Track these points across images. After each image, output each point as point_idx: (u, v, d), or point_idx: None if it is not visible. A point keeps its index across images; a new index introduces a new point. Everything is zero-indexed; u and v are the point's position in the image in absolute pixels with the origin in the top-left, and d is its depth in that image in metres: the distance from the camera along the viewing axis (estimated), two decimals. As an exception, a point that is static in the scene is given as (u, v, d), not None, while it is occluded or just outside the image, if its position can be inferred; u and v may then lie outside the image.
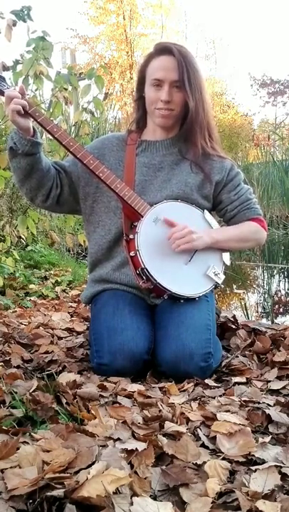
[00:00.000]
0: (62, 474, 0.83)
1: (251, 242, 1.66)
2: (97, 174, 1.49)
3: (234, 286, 3.63)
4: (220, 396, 1.27)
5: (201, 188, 1.59)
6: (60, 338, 1.81)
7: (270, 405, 1.20)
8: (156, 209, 1.51)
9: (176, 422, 1.10)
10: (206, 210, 1.59)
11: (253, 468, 0.91)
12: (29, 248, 3.55)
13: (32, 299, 2.74)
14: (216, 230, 1.58)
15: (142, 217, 1.49)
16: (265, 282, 4.24)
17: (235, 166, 1.66)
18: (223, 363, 1.53)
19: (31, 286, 2.95)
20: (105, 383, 1.33)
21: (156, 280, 1.43)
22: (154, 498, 0.84)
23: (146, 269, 1.43)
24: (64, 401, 1.18)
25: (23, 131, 1.45)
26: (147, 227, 1.48)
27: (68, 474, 0.84)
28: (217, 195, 1.63)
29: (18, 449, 0.90)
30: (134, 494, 0.82)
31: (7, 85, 1.48)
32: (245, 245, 1.72)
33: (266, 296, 3.57)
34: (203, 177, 1.59)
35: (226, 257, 1.61)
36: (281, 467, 0.91)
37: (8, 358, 1.50)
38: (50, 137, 1.51)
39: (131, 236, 1.49)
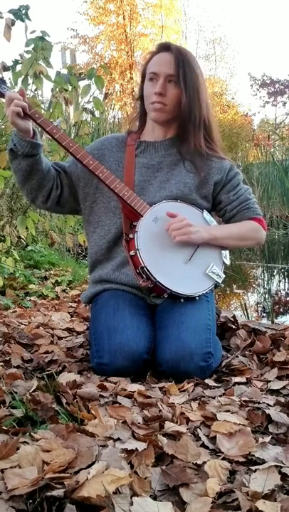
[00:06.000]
0: (62, 474, 0.83)
1: (250, 240, 1.66)
2: (96, 174, 1.49)
3: (234, 286, 3.63)
4: (220, 396, 1.27)
5: (199, 188, 1.59)
6: (60, 338, 1.81)
7: (270, 405, 1.20)
8: (155, 208, 1.51)
9: (176, 422, 1.10)
10: (205, 210, 1.59)
11: (253, 468, 0.90)
12: (29, 248, 3.55)
13: (32, 299, 2.74)
14: (214, 226, 1.58)
15: (142, 216, 1.49)
16: (265, 282, 4.24)
17: (234, 166, 1.66)
18: (223, 363, 1.53)
19: (31, 286, 2.94)
20: (105, 383, 1.33)
21: (155, 279, 1.43)
22: (154, 498, 0.83)
23: (146, 268, 1.43)
24: (64, 401, 1.18)
25: (23, 133, 1.45)
26: (147, 226, 1.48)
27: (68, 474, 0.84)
28: (216, 195, 1.63)
29: (18, 449, 0.90)
30: (134, 494, 0.82)
31: (7, 87, 1.49)
32: (244, 244, 1.72)
33: (266, 296, 3.57)
34: (202, 178, 1.59)
35: (226, 256, 1.61)
36: (281, 467, 0.91)
37: (8, 358, 1.50)
38: (50, 138, 1.52)
39: (131, 235, 1.49)
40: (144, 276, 1.45)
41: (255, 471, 0.89)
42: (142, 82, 1.61)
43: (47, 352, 1.60)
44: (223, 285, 1.60)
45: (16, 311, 2.34)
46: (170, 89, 1.52)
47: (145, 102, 1.59)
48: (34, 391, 1.21)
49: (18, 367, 1.43)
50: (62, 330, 1.93)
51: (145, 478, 0.87)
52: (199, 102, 1.54)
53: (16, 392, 1.20)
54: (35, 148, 1.47)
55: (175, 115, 1.57)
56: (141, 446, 0.94)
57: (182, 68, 1.50)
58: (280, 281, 4.36)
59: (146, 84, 1.56)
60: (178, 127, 1.60)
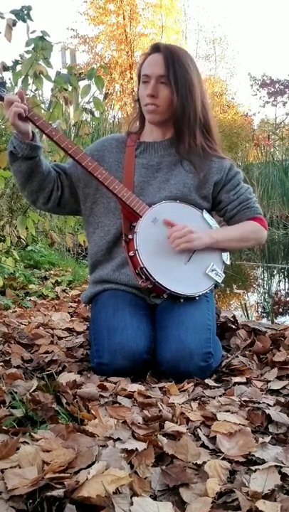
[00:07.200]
0: (62, 474, 0.83)
1: (252, 241, 1.66)
2: (95, 176, 1.49)
3: (234, 286, 3.63)
4: (220, 396, 1.27)
5: (199, 188, 1.59)
6: (60, 338, 1.81)
7: (270, 405, 1.20)
8: (154, 209, 1.51)
9: (176, 422, 1.10)
10: (204, 210, 1.59)
11: (253, 468, 0.90)
12: (29, 248, 3.55)
13: (32, 299, 2.74)
14: (216, 230, 1.58)
15: (141, 217, 1.49)
16: (265, 282, 4.24)
17: (234, 165, 1.65)
18: (223, 363, 1.53)
19: (31, 286, 2.95)
20: (105, 383, 1.33)
21: (155, 279, 1.43)
22: (154, 498, 0.83)
23: (145, 268, 1.43)
24: (64, 401, 1.18)
25: (23, 135, 1.46)
26: (146, 227, 1.48)
27: (68, 474, 0.84)
28: (216, 195, 1.63)
29: (18, 449, 0.90)
30: (134, 494, 0.82)
31: (6, 90, 1.50)
32: (245, 245, 1.73)
33: (266, 296, 3.58)
34: (201, 178, 1.59)
35: (226, 256, 1.61)
36: (281, 467, 0.91)
37: (8, 358, 1.50)
38: (50, 139, 1.52)
39: (130, 236, 1.49)
40: (143, 276, 1.45)
41: (255, 471, 0.89)
42: (138, 84, 1.61)
43: (47, 352, 1.60)
44: (223, 285, 1.60)
45: (16, 311, 2.34)
46: (162, 90, 1.52)
47: (141, 105, 1.59)
48: (34, 391, 1.21)
49: (18, 367, 1.43)
50: (63, 330, 1.93)
51: (145, 478, 0.87)
52: (193, 101, 1.53)
53: (16, 392, 1.20)
54: (34, 150, 1.47)
55: (169, 115, 1.56)
56: (141, 446, 0.94)
57: (172, 68, 1.49)
58: (280, 281, 4.36)
59: (141, 86, 1.57)
60: (174, 127, 1.60)
